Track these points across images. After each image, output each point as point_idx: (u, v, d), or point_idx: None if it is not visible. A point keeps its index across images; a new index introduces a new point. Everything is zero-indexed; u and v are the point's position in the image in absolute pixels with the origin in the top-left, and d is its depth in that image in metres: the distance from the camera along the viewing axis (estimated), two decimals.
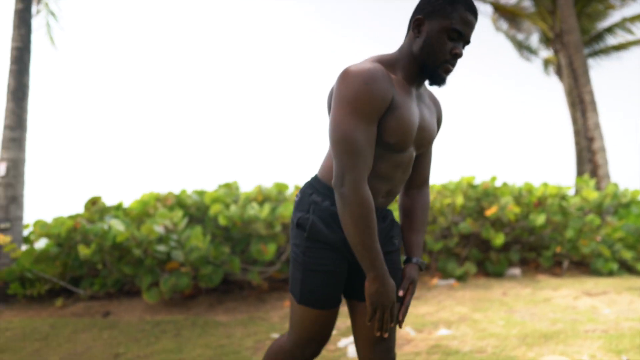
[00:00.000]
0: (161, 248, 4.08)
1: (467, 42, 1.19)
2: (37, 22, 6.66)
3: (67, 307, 4.23)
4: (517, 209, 5.04)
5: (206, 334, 3.44)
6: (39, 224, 4.15)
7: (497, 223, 5.20)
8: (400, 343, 2.92)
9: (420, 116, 1.25)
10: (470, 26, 1.16)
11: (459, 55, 1.16)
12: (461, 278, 4.80)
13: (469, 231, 4.86)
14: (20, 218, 5.04)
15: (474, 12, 1.16)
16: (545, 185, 5.47)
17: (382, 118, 1.14)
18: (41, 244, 4.83)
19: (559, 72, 10.65)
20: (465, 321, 3.28)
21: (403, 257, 1.39)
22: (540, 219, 5.02)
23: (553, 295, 4.00)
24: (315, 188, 1.30)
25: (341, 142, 1.09)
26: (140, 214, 4.66)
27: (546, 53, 12.02)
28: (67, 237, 4.08)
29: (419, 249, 1.37)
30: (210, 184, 5.66)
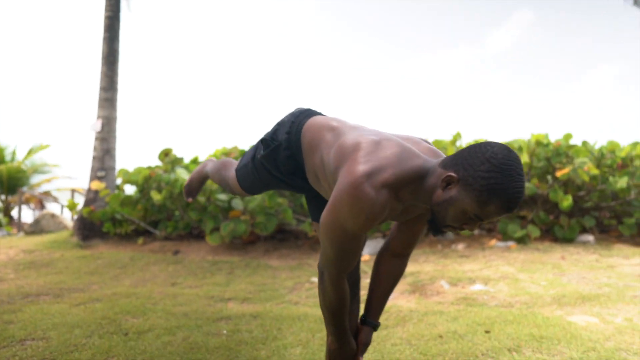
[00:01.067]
0: (222, 197, 4.47)
1: (482, 221, 1.06)
2: None
3: (146, 245, 4.89)
4: (595, 171, 4.56)
5: (255, 274, 3.77)
6: (122, 172, 4.78)
7: (570, 185, 4.77)
8: (429, 294, 2.94)
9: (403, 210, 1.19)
10: (493, 217, 1.02)
11: (470, 231, 1.09)
12: (521, 240, 4.55)
13: (533, 192, 4.54)
14: (113, 168, 5.81)
15: (509, 210, 0.99)
16: (634, 144, 4.83)
17: None
18: (130, 190, 5.56)
19: None
20: (506, 279, 3.17)
21: (361, 316, 1.44)
22: (621, 182, 4.50)
23: (621, 262, 3.65)
24: (293, 134, 1.34)
25: (330, 244, 1.13)
26: None
27: None
28: (143, 184, 4.65)
29: (378, 312, 1.40)
30: None
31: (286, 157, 1.34)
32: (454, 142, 4.98)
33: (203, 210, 4.60)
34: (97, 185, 5.36)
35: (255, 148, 1.45)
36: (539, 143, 4.76)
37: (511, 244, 4.54)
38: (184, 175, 4.45)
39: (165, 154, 4.89)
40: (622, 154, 4.75)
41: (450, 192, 1.02)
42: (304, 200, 4.54)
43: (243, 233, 4.44)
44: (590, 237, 4.70)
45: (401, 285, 3.18)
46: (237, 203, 4.48)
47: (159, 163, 5.28)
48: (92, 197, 5.59)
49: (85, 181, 5.94)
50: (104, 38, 6.07)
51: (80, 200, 7.14)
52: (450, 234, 4.81)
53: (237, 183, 1.56)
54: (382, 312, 1.47)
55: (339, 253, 1.13)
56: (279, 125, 1.40)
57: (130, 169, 5.18)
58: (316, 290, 3.23)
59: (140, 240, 4.92)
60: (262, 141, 1.39)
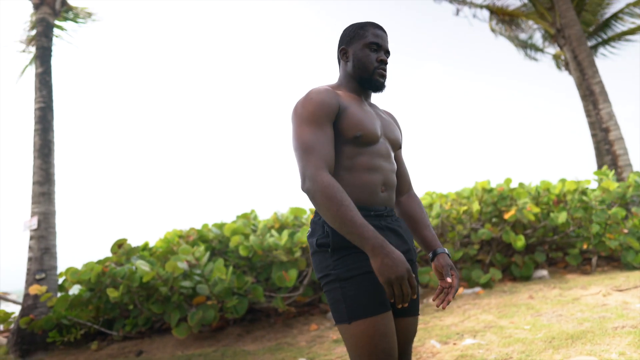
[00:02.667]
0: (186, 283, 4.20)
1: (387, 51, 1.43)
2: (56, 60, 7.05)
3: (102, 350, 4.37)
4: (536, 209, 4.98)
5: None
6: (70, 271, 4.35)
7: (518, 225, 5.14)
8: (425, 357, 2.92)
9: (377, 116, 1.42)
10: (382, 38, 1.41)
11: (385, 61, 1.40)
12: (487, 285, 4.74)
13: (489, 237, 4.82)
14: (54, 267, 5.26)
15: (381, 29, 1.43)
16: (563, 181, 5.39)
17: (338, 121, 1.29)
18: (75, 290, 5.03)
19: (567, 67, 10.54)
20: (491, 329, 3.25)
21: (429, 254, 1.43)
22: (561, 217, 4.94)
23: (582, 294, 3.91)
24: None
25: (297, 148, 1.23)
26: (165, 252, 4.82)
27: (553, 49, 11.94)
28: (96, 281, 4.25)
29: (437, 240, 1.42)
30: (230, 215, 5.78)
31: None
32: None
33: (166, 302, 4.27)
34: (36, 289, 4.79)
35: (332, 288, 1.21)
36: (484, 190, 5.14)
37: (478, 289, 4.70)
38: (143, 267, 4.15)
39: (119, 246, 4.56)
40: (556, 191, 5.26)
41: (349, 54, 1.41)
42: (275, 275, 4.41)
43: (213, 320, 4.16)
44: (544, 272, 5.01)
45: None
46: (203, 288, 4.23)
47: (108, 255, 4.88)
48: (30, 304, 4.97)
49: (9, 286, 5.29)
50: (36, 130, 5.73)
51: (7, 309, 6.30)
52: (420, 290, 4.89)
53: (372, 323, 1.15)
54: None
55: (306, 149, 1.21)
56: (312, 234, 1.30)
57: (76, 267, 4.73)
58: None
59: (94, 345, 4.39)
60: (321, 246, 1.24)
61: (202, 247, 4.21)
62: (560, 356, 2.42)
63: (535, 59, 12.12)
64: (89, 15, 7.55)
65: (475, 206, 4.78)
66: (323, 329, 4.23)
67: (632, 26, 10.65)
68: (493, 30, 10.95)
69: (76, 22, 7.53)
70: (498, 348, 2.78)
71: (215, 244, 5.15)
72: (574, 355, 2.39)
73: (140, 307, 4.42)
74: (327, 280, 1.22)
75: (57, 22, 7.34)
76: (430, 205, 5.02)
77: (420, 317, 4.00)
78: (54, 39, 7.37)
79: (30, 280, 5.12)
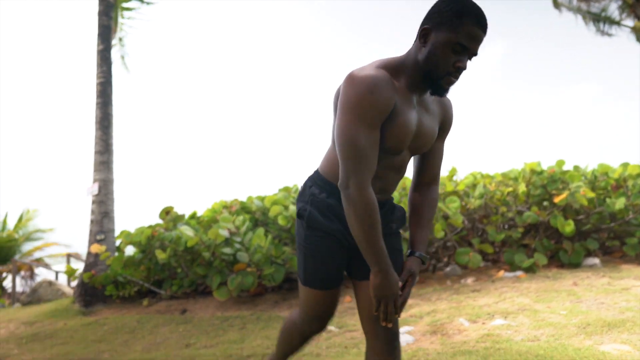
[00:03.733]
0: (227, 250, 4.42)
1: (474, 54, 1.19)
2: (114, 55, 7.50)
3: (151, 306, 4.76)
4: (591, 194, 4.66)
5: (269, 327, 3.68)
6: (124, 234, 4.73)
7: (569, 210, 4.85)
8: (452, 333, 2.90)
9: (418, 123, 1.28)
10: (477, 40, 1.15)
11: (463, 68, 1.17)
12: (529, 269, 4.56)
13: (535, 220, 4.60)
14: (112, 230, 5.74)
15: (482, 27, 1.14)
16: (624, 165, 4.99)
17: (384, 122, 1.20)
18: (131, 251, 5.47)
19: None
20: (525, 311, 3.15)
21: (407, 251, 1.45)
22: (619, 203, 4.60)
23: (634, 284, 3.66)
24: (315, 181, 1.42)
25: (347, 147, 1.16)
26: (210, 221, 5.09)
27: (631, 21, 10.83)
28: (147, 244, 4.60)
29: (422, 244, 1.41)
30: (275, 189, 5.95)
31: (324, 199, 1.35)
32: (450, 177, 5.07)
33: (209, 266, 4.54)
34: (97, 248, 5.27)
35: (302, 244, 1.41)
36: (533, 171, 4.88)
37: (520, 273, 4.54)
38: (187, 232, 4.42)
39: (167, 212, 4.88)
40: (615, 176, 4.89)
41: (429, 41, 1.17)
42: None
43: (251, 286, 4.37)
44: (596, 260, 4.72)
45: (421, 327, 3.13)
46: (243, 255, 4.44)
47: (159, 222, 5.24)
48: (92, 262, 5.48)
49: (79, 246, 5.86)
50: (97, 103, 6.18)
51: (77, 266, 6.98)
52: (457, 270, 4.80)
53: (313, 291, 1.43)
54: (410, 357, 1.46)
55: (358, 151, 1.15)
56: (299, 197, 1.45)
57: (129, 230, 5.13)
58: (336, 339, 3.16)
59: (146, 302, 4.79)
60: (299, 216, 1.40)
61: (241, 217, 4.40)
62: (591, 342, 2.32)
63: (609, 34, 11.07)
64: None
65: (522, 188, 4.57)
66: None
67: None
68: (558, 4, 10.11)
69: (142, 1, 7.91)
70: (527, 330, 2.71)
71: (258, 215, 5.34)
72: (607, 343, 2.28)
73: (185, 270, 4.74)
74: (298, 244, 1.44)
75: (124, 4, 7.76)
76: (474, 186, 4.86)
77: (454, 296, 3.96)
78: (123, 19, 7.82)
79: (92, 240, 5.63)
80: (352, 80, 1.16)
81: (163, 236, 4.57)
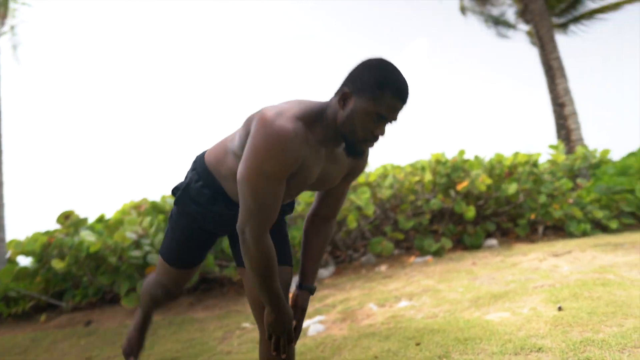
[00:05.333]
0: (136, 253, 4.17)
1: (394, 120, 1.18)
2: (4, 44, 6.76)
3: (50, 321, 4.34)
4: (488, 181, 5.09)
5: (181, 331, 3.53)
6: (14, 243, 4.26)
7: (470, 197, 5.26)
8: (361, 318, 3.00)
9: (321, 173, 1.27)
10: (396, 110, 1.14)
11: (382, 134, 1.16)
12: (437, 253, 4.87)
13: (439, 207, 4.93)
14: (2, 239, 5.15)
15: (403, 98, 1.14)
16: (516, 154, 5.51)
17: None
18: (26, 262, 4.94)
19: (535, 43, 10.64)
20: (428, 292, 3.35)
21: (296, 281, 1.47)
22: (512, 188, 5.08)
23: (521, 260, 4.06)
24: (197, 166, 1.38)
25: (249, 194, 1.13)
26: (116, 223, 4.76)
27: (527, 26, 11.98)
28: (42, 252, 4.18)
29: (312, 276, 1.43)
30: None
31: (199, 187, 1.35)
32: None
33: (115, 272, 4.25)
34: None
35: (170, 219, 1.52)
36: (438, 161, 5.22)
37: (428, 257, 4.83)
38: (89, 238, 4.10)
39: (66, 217, 4.48)
40: (508, 163, 5.38)
41: (348, 106, 1.14)
42: (225, 244, 4.42)
43: None
44: (494, 241, 5.18)
45: (332, 315, 3.20)
46: (154, 257, 4.22)
47: (58, 227, 4.80)
48: None
49: None
50: None
51: None
52: (371, 258, 4.99)
53: (164, 263, 1.57)
54: (318, 344, 1.51)
55: (260, 202, 1.12)
56: (184, 178, 1.45)
57: (20, 239, 4.63)
58: (248, 336, 3.12)
59: (43, 317, 4.36)
60: (173, 192, 1.42)
61: (149, 217, 4.18)
62: (480, 313, 2.53)
63: (507, 37, 12.16)
64: None
65: (428, 177, 4.86)
66: None
67: (604, 3, 10.77)
68: (463, 7, 10.91)
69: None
70: (428, 308, 2.88)
71: None
72: (492, 312, 2.50)
73: (89, 278, 4.39)
74: (169, 217, 1.53)
75: None
76: (385, 176, 5.08)
77: (366, 284, 4.10)
78: (14, 3, 7.02)
79: None
80: (266, 126, 1.10)
81: (61, 243, 4.19)
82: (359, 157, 1.22)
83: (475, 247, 5.12)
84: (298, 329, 1.37)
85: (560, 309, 2.23)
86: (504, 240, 5.44)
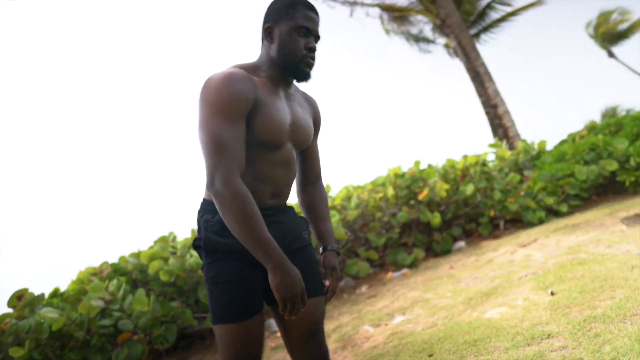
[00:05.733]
0: (105, 322, 3.85)
1: (317, 36, 1.30)
2: None
3: None
4: (446, 186, 5.31)
5: None
6: None
7: (432, 204, 5.44)
8: (360, 342, 2.95)
9: (291, 113, 1.30)
10: (314, 22, 1.28)
11: (314, 48, 1.27)
12: (412, 265, 4.95)
13: (406, 219, 5.05)
14: None
15: (314, 10, 1.29)
16: (465, 157, 5.82)
17: (249, 118, 1.19)
18: None
19: (456, 54, 11.47)
20: (418, 303, 3.38)
21: (319, 248, 1.44)
22: (468, 189, 5.32)
23: (494, 255, 4.23)
24: (204, 208, 1.31)
25: (207, 142, 1.13)
26: (77, 294, 4.38)
27: (443, 40, 12.92)
28: None
29: (330, 236, 1.43)
30: (148, 242, 5.43)
31: (216, 219, 1.25)
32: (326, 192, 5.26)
33: (85, 347, 3.88)
34: None
35: (208, 280, 1.26)
36: (397, 175, 5.38)
37: (405, 270, 4.89)
38: (49, 314, 3.73)
39: (18, 297, 4.06)
40: (460, 166, 5.66)
41: (275, 37, 1.26)
42: (201, 294, 4.21)
43: (141, 355, 3.86)
44: (462, 244, 5.36)
45: (330, 345, 3.13)
46: (126, 323, 3.92)
47: (9, 311, 4.33)
48: None
49: None
50: None
51: None
52: (350, 282, 4.97)
53: (227, 328, 1.21)
54: None
55: (220, 144, 1.12)
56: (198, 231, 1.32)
57: None
58: None
59: None
60: (196, 246, 1.28)
61: (114, 281, 3.90)
62: (477, 313, 2.58)
63: (429, 51, 13.03)
64: None
65: (390, 191, 4.98)
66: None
67: (504, 14, 11.93)
68: (386, 30, 11.58)
69: None
70: (425, 319, 2.90)
71: (135, 274, 4.80)
72: (489, 309, 2.56)
73: None
74: (204, 282, 1.26)
75: None
76: (349, 198, 5.14)
77: (353, 307, 4.06)
78: None
79: None
80: (208, 81, 1.18)
81: (17, 327, 3.77)
82: (308, 77, 1.29)
83: (446, 252, 5.27)
84: (333, 288, 1.34)
85: (552, 293, 2.34)
86: (470, 240, 5.65)
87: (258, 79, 1.25)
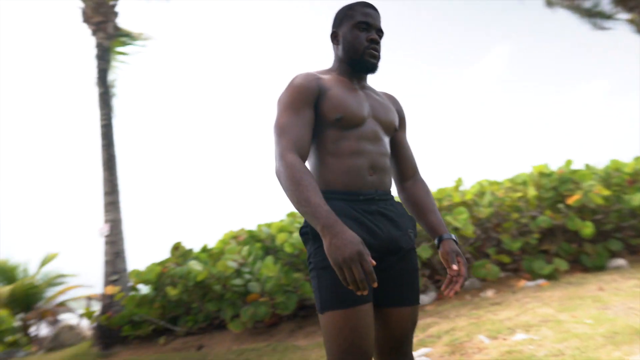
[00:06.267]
0: (237, 281, 4.37)
1: (379, 30, 1.38)
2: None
3: (168, 344, 4.70)
4: (606, 192, 4.51)
5: (284, 358, 3.58)
6: (134, 273, 4.71)
7: (585, 211, 4.69)
8: (471, 352, 2.77)
9: (366, 97, 1.37)
10: (372, 16, 1.36)
11: (375, 40, 1.34)
12: (551, 276, 4.39)
13: (549, 224, 4.46)
14: (125, 270, 5.75)
15: (371, 6, 1.38)
16: (637, 159, 4.83)
17: (318, 104, 1.29)
18: (145, 290, 5.45)
19: None
20: (548, 323, 3.00)
21: (434, 242, 1.39)
22: (636, 199, 4.44)
23: None
24: None
25: (274, 132, 1.25)
26: (219, 253, 5.05)
27: (626, 14, 10.71)
28: (157, 281, 4.57)
29: (443, 226, 1.38)
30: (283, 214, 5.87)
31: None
32: (456, 187, 4.97)
33: (220, 299, 4.48)
34: (111, 289, 5.27)
35: (313, 269, 1.22)
36: (542, 174, 4.76)
37: (541, 281, 4.37)
38: (196, 267, 4.39)
39: (176, 248, 4.87)
40: (629, 170, 4.73)
41: (339, 37, 1.38)
42: None
43: (264, 316, 4.28)
44: (622, 261, 4.53)
45: (439, 347, 3.01)
46: (254, 285, 4.38)
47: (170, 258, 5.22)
48: (108, 303, 5.47)
49: (100, 287, 5.86)
50: (102, 145, 6.28)
51: (97, 308, 6.98)
52: (476, 283, 4.65)
53: (337, 315, 1.14)
54: None
55: (282, 127, 1.23)
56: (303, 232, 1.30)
57: (140, 269, 5.12)
58: None
59: (162, 340, 4.73)
60: (303, 235, 1.27)
61: (247, 247, 4.36)
62: (620, 353, 2.18)
63: (605, 28, 10.95)
64: (144, 38, 8.07)
65: (531, 192, 4.44)
66: None
67: None
68: (550, 3, 10.07)
69: (134, 45, 8.08)
70: (551, 344, 2.57)
71: (267, 243, 5.29)
72: (638, 353, 2.14)
73: (199, 305, 4.69)
74: (310, 268, 1.24)
75: (118, 49, 7.92)
76: (482, 194, 4.75)
77: (473, 312, 3.81)
78: (117, 63, 7.97)
79: (107, 281, 5.63)
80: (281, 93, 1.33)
81: (173, 272, 4.54)
82: (374, 67, 1.36)
83: (598, 268, 4.52)
84: (463, 273, 1.24)
85: None
86: (635, 259, 4.73)
87: (328, 77, 1.35)
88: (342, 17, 1.38)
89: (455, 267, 1.25)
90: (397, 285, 1.28)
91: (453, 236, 1.34)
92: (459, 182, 5.05)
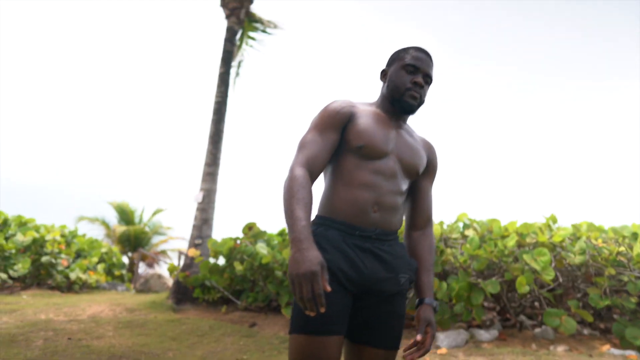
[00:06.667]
0: None
1: (427, 75, 1.37)
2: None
3: (228, 314, 5.10)
4: None
5: None
6: (211, 242, 5.17)
7: None
8: None
9: (397, 135, 1.37)
10: (422, 61, 1.36)
11: (419, 83, 1.34)
12: None
13: None
14: (209, 236, 6.32)
15: (424, 51, 1.39)
16: None
17: (345, 130, 1.32)
18: (221, 259, 5.95)
19: None
20: None
21: (415, 300, 1.36)
22: None
23: None
24: (314, 221, 1.36)
25: (299, 142, 1.31)
26: (286, 241, 5.28)
27: None
28: (229, 254, 4.96)
29: (430, 289, 1.35)
30: None
31: (323, 232, 1.29)
32: (546, 225, 4.47)
33: (280, 284, 4.71)
34: (193, 252, 5.86)
35: (293, 307, 1.23)
36: None
37: (631, 353, 3.77)
38: (262, 250, 4.66)
39: (249, 228, 5.21)
40: None
41: (387, 76, 1.41)
42: None
43: None
44: None
45: None
46: None
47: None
48: (188, 263, 6.10)
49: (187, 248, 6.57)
50: (212, 120, 6.93)
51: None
52: (549, 332, 4.18)
53: (296, 339, 1.17)
54: None
55: (303, 144, 1.28)
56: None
57: (218, 239, 5.58)
58: None
59: (224, 309, 5.15)
60: None
61: None
62: None
63: None
64: (275, 26, 8.61)
65: (638, 249, 3.81)
66: None
67: None
68: None
69: (264, 32, 8.69)
70: None
71: None
72: None
73: (262, 285, 4.98)
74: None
75: (249, 33, 8.58)
76: (576, 239, 4.21)
77: None
78: (246, 46, 8.64)
79: (191, 243, 6.26)
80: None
81: (243, 249, 4.88)
82: (412, 108, 1.35)
83: None
84: (426, 345, 1.23)
85: None
86: None
87: (367, 108, 1.38)
88: (395, 57, 1.41)
89: (419, 337, 1.23)
90: (375, 326, 1.26)
91: (434, 303, 1.31)
92: (553, 218, 4.54)
